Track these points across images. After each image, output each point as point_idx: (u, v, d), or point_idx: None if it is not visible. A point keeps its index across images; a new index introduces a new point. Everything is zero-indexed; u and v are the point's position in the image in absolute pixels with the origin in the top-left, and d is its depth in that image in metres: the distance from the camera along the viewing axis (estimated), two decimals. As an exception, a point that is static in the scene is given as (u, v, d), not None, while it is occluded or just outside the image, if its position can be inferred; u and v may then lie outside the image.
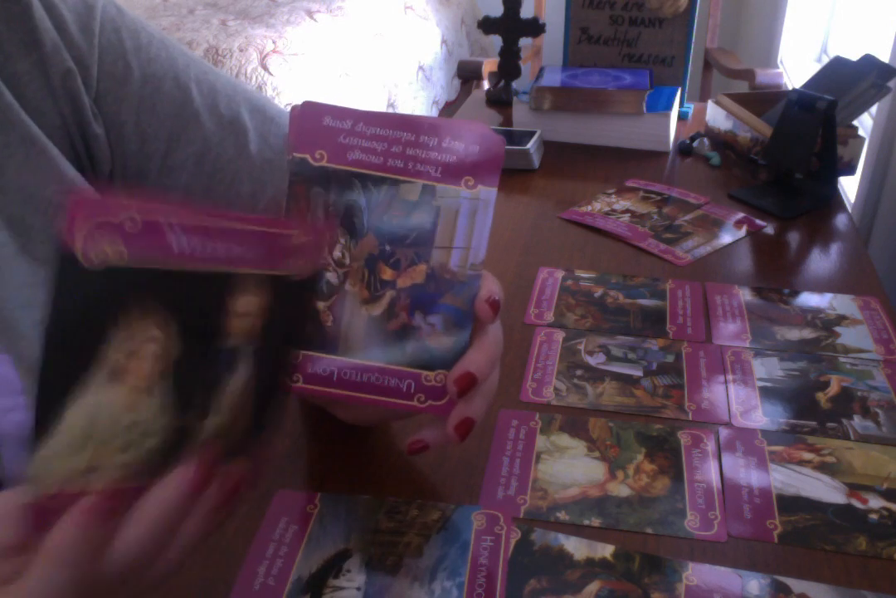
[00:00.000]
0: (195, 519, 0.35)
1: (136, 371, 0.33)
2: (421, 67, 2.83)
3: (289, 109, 0.47)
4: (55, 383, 0.32)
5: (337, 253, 0.45)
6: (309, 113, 0.44)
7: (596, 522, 0.55)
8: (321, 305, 0.45)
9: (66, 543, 0.32)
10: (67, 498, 0.33)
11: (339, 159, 0.44)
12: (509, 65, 1.46)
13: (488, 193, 0.43)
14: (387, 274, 0.45)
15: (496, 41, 1.47)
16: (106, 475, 0.33)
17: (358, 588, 0.49)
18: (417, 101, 2.79)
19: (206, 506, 0.36)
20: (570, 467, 0.60)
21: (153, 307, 0.33)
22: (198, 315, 0.35)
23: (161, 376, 0.34)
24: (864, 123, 1.59)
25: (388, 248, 0.44)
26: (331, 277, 0.45)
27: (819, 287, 0.86)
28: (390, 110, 2.60)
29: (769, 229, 0.99)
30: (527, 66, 2.33)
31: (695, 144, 1.23)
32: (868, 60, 1.08)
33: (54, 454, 0.32)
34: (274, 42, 2.36)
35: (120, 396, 0.33)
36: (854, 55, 1.11)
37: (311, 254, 0.38)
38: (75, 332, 0.32)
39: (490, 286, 0.44)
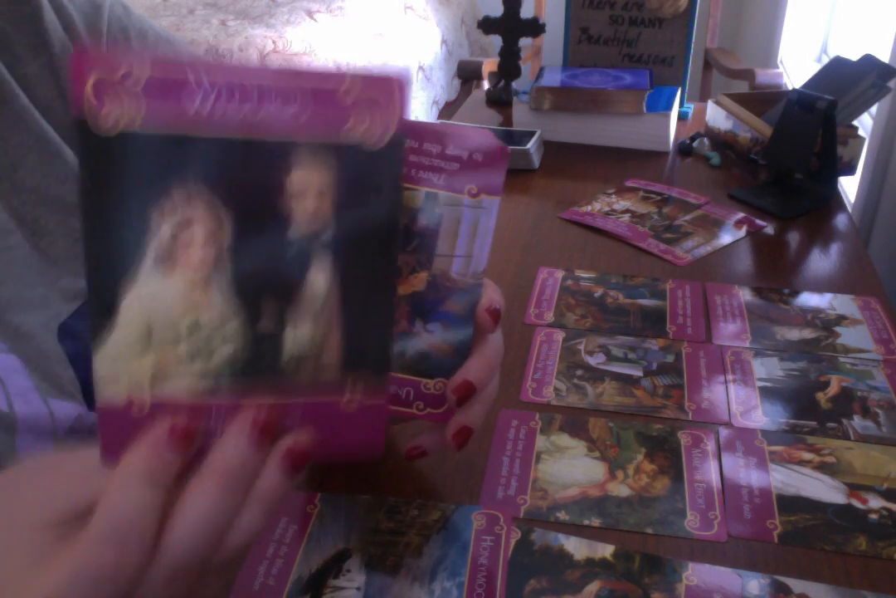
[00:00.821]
0: (263, 485, 0.32)
1: (186, 260, 0.30)
2: (421, 67, 2.83)
3: None
4: (103, 274, 0.29)
5: None
6: None
7: (596, 522, 0.55)
8: None
9: (152, 460, 0.30)
10: (148, 408, 0.30)
11: None
12: (509, 65, 1.46)
13: (491, 201, 0.42)
14: None
15: (496, 41, 1.47)
16: (183, 385, 0.31)
17: (358, 588, 0.49)
18: (417, 101, 2.79)
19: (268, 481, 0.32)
20: (570, 467, 0.60)
21: (195, 186, 0.29)
22: (249, 195, 0.29)
23: (216, 270, 0.30)
24: (864, 123, 1.59)
25: None
26: None
27: (819, 287, 0.86)
28: (390, 110, 2.59)
29: (769, 229, 0.99)
30: (527, 67, 2.33)
31: (695, 144, 1.23)
32: (868, 60, 1.08)
33: (118, 354, 0.30)
34: (274, 42, 2.36)
35: (173, 288, 0.30)
36: (854, 55, 1.11)
37: (381, 114, 0.30)
38: (110, 216, 0.28)
39: (491, 295, 0.44)
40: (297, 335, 0.32)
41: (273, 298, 0.31)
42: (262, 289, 0.31)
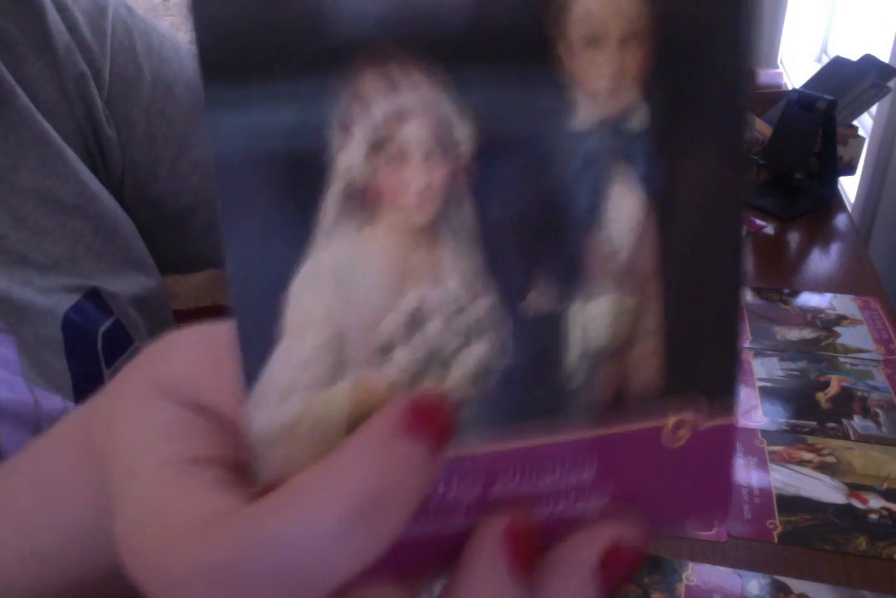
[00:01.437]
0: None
1: (396, 194, 0.17)
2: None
3: None
4: (250, 249, 0.16)
5: None
6: None
7: (596, 522, 0.55)
8: None
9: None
10: None
11: None
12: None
13: None
14: None
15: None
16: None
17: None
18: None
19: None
20: (570, 467, 0.60)
21: (402, 44, 0.16)
22: (495, 52, 0.17)
23: (451, 209, 0.17)
24: (864, 123, 1.59)
25: None
26: None
27: (819, 287, 0.86)
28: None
29: (769, 229, 0.99)
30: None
31: (695, 144, 1.23)
32: (868, 60, 1.08)
33: (289, 387, 0.17)
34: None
35: (374, 252, 0.17)
36: (854, 55, 1.11)
37: None
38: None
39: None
40: (592, 316, 0.18)
41: (550, 250, 0.18)
42: (530, 234, 0.18)
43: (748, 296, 0.83)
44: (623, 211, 0.18)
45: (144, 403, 0.20)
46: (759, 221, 1.00)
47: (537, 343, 0.18)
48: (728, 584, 0.49)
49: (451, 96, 0.17)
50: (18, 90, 0.47)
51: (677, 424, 0.19)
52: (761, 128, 1.11)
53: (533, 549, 0.18)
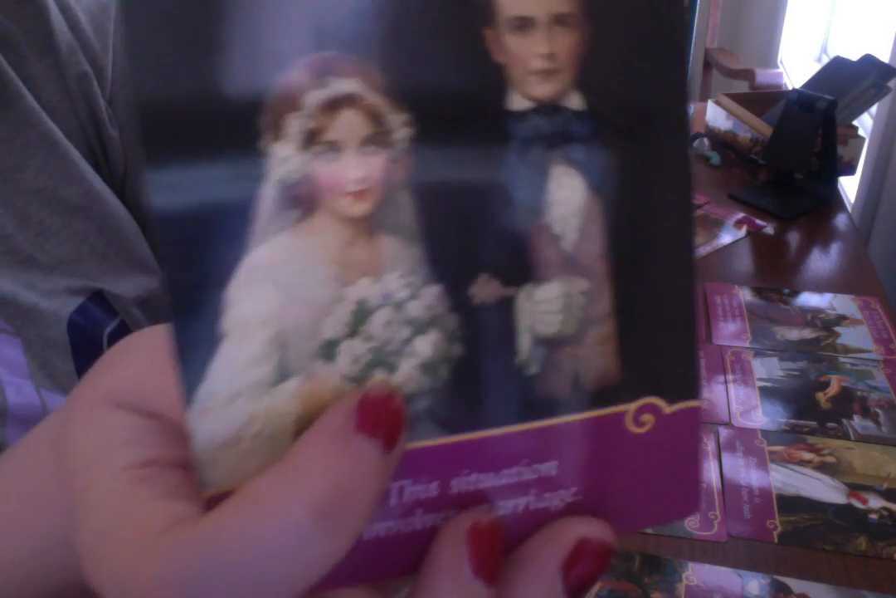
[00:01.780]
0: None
1: (333, 186, 0.16)
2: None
3: None
4: (184, 251, 0.16)
5: None
6: None
7: (596, 522, 0.55)
8: None
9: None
10: None
11: None
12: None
13: None
14: None
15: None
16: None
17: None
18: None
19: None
20: (570, 467, 0.60)
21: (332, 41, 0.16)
22: (426, 41, 0.16)
23: (389, 200, 0.17)
24: (864, 123, 1.59)
25: None
26: None
27: (819, 287, 0.86)
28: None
29: (769, 229, 0.99)
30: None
31: (695, 143, 1.23)
32: (868, 60, 1.08)
33: (232, 394, 0.17)
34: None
35: (313, 248, 0.17)
36: (854, 55, 1.11)
37: None
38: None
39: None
40: (541, 302, 0.18)
41: (493, 237, 0.17)
42: (471, 222, 0.17)
43: (748, 295, 0.83)
44: (566, 194, 0.18)
45: (97, 412, 0.19)
46: (759, 221, 1.00)
47: (488, 332, 0.18)
48: (728, 584, 0.49)
49: (382, 85, 0.16)
50: (24, 90, 0.47)
51: (640, 409, 0.19)
52: (761, 128, 1.11)
53: (498, 548, 0.18)
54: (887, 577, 0.51)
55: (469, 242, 0.17)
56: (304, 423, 0.17)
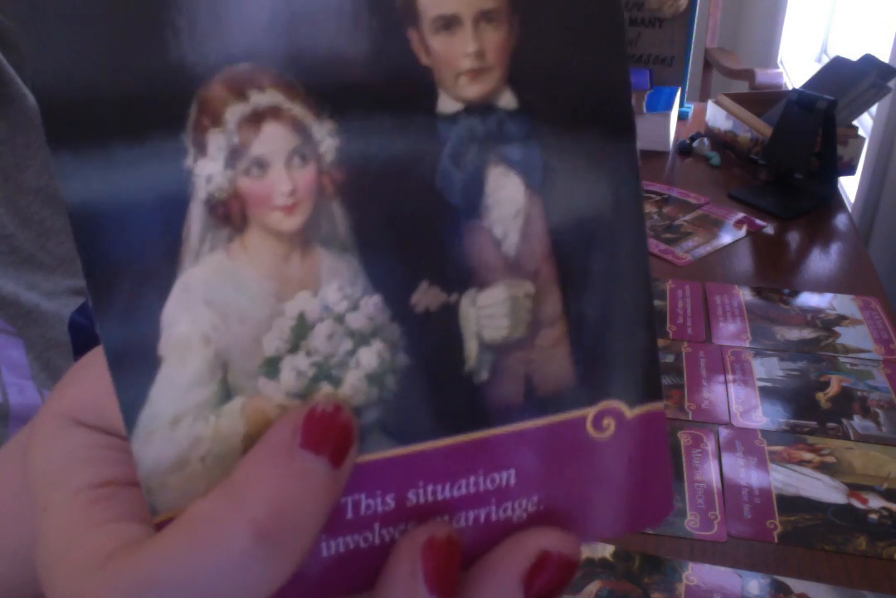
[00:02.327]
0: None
1: (261, 202, 0.16)
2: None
3: None
4: (112, 273, 0.16)
5: None
6: None
7: (596, 522, 0.55)
8: None
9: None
10: None
11: None
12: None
13: None
14: None
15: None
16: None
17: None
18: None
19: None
20: (570, 467, 0.60)
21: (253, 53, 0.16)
22: (345, 42, 0.16)
23: (320, 212, 0.16)
24: (864, 123, 1.59)
25: None
26: None
27: (819, 287, 0.86)
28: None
29: (769, 229, 0.99)
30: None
31: (695, 144, 1.23)
32: (868, 60, 1.08)
33: (174, 417, 0.16)
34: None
35: (247, 267, 0.16)
36: (854, 55, 1.11)
37: None
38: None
39: None
40: (485, 306, 0.17)
41: (431, 244, 0.17)
42: (407, 230, 0.17)
43: (748, 295, 0.83)
44: (503, 196, 0.17)
45: (56, 431, 0.19)
46: (759, 221, 1.00)
47: (433, 340, 0.17)
48: (728, 584, 0.49)
49: (304, 95, 0.16)
50: (25, 90, 0.47)
51: (600, 413, 0.18)
52: (761, 128, 1.11)
53: (455, 562, 0.17)
54: (887, 577, 0.51)
55: (406, 250, 0.17)
56: (251, 442, 0.16)
